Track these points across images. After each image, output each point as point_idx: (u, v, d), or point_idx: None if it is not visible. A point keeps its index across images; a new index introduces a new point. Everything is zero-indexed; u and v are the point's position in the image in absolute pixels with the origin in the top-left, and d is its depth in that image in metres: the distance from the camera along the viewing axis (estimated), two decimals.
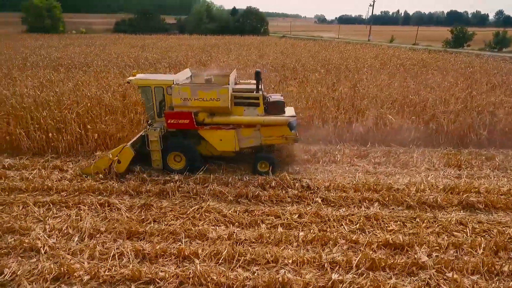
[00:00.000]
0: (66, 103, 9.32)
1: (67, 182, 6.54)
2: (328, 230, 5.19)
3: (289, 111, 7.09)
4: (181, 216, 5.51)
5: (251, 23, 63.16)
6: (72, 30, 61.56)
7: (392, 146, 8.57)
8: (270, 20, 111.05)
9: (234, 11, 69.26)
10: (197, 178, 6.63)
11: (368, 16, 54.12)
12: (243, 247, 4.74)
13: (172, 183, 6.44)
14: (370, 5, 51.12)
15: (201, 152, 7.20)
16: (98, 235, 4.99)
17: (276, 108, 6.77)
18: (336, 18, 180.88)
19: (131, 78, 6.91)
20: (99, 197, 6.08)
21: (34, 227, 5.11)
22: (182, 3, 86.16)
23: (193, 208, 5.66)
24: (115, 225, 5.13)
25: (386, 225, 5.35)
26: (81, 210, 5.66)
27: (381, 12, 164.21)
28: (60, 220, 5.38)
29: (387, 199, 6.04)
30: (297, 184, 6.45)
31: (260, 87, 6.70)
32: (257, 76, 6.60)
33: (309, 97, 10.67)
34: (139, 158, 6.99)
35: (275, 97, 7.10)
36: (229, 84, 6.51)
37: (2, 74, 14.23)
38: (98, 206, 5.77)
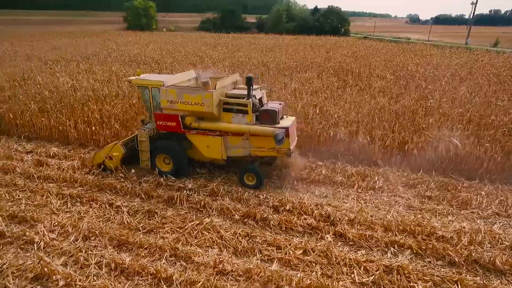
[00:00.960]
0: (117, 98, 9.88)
1: (92, 177, 6.77)
2: (332, 277, 4.30)
3: (287, 121, 6.40)
4: (178, 229, 5.18)
5: (331, 23, 60.90)
6: (163, 28, 67.44)
7: (453, 178, 6.97)
8: (355, 20, 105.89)
9: (315, 10, 67.71)
10: (210, 189, 6.25)
11: (471, 16, 47.00)
12: (224, 281, 4.18)
13: (184, 191, 6.19)
14: (472, 3, 44.29)
15: (193, 157, 6.94)
16: (93, 238, 4.95)
17: (268, 117, 6.18)
18: (431, 18, 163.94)
19: (132, 77, 6.97)
20: (113, 196, 6.14)
21: (43, 220, 5.32)
22: (266, 2, 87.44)
23: (192, 223, 5.28)
24: (109, 230, 5.05)
25: (411, 284, 4.21)
26: (91, 207, 5.77)
27: (490, 11, 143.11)
28: (69, 215, 5.52)
29: (424, 247, 4.80)
30: (315, 212, 5.59)
31: (250, 93, 6.16)
32: (248, 82, 6.08)
33: (363, 108, 9.45)
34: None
35: (272, 105, 6.49)
36: (215, 89, 6.11)
37: (83, 68, 15.97)
38: (108, 206, 5.80)
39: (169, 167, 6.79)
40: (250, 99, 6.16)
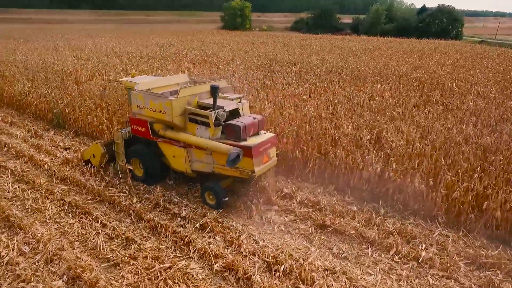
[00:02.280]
0: None
1: (98, 184, 6.49)
2: None
3: (257, 138, 5.54)
4: (143, 271, 4.38)
5: (440, 24, 53.55)
6: (255, 28, 69.02)
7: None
8: (474, 21, 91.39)
9: (422, 10, 60.48)
10: (205, 220, 5.31)
11: None
12: None
13: (177, 219, 5.42)
14: None
15: (169, 165, 6.40)
16: (56, 262, 4.52)
17: (231, 132, 5.48)
18: None
19: (122, 79, 6.89)
20: (107, 211, 5.72)
21: (28, 229, 5.14)
22: (365, 1, 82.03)
23: (160, 267, 4.42)
24: (72, 256, 4.54)
25: None
26: (80, 222, 5.42)
27: None
28: (56, 227, 5.27)
29: None
30: (321, 282, 4.15)
31: (215, 104, 5.48)
32: (213, 92, 5.42)
33: (437, 136, 7.24)
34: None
35: (244, 119, 5.63)
36: (176, 97, 5.62)
37: (157, 66, 16.69)
38: (95, 223, 5.37)
39: (142, 172, 6.53)
40: (213, 111, 5.45)
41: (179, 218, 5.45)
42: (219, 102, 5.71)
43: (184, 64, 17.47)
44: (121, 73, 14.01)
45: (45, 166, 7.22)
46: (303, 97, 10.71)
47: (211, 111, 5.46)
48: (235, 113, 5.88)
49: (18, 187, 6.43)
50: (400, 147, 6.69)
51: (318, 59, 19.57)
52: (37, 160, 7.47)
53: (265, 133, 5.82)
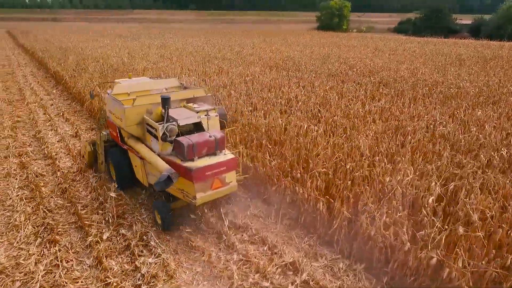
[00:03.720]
0: None
1: (96, 203, 5.81)
2: None
3: (210, 160, 4.72)
4: None
5: None
6: (353, 29, 64.72)
7: None
8: None
9: None
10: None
11: None
12: None
13: (130, 277, 4.28)
14: None
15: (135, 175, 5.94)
16: None
17: (177, 150, 4.81)
18: None
19: (118, 80, 6.80)
20: (77, 243, 4.95)
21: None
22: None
23: None
24: None
25: None
26: (40, 255, 4.73)
27: None
28: (14, 255, 4.70)
29: None
30: None
31: (166, 116, 4.93)
32: (163, 103, 4.97)
33: None
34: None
35: (198, 136, 4.78)
36: (132, 104, 5.20)
37: (224, 67, 16.10)
38: (53, 260, 4.62)
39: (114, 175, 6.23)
40: (162, 124, 4.84)
41: (139, 275, 4.31)
42: (181, 113, 5.16)
43: (252, 67, 16.48)
44: (177, 74, 13.75)
45: (58, 173, 6.95)
46: (367, 118, 8.54)
47: (160, 123, 4.88)
48: (199, 128, 5.18)
49: (20, 194, 6.19)
50: (485, 225, 4.25)
51: (409, 69, 16.34)
52: (57, 165, 7.28)
53: (225, 154, 4.93)
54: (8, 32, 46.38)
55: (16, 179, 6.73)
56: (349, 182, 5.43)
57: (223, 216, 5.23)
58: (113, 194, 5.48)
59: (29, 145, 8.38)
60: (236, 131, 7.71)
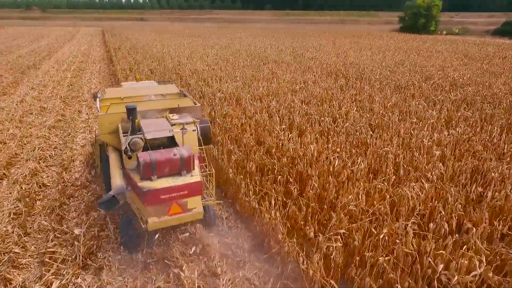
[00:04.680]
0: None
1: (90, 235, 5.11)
2: None
3: (169, 181, 3.99)
4: None
5: None
6: (442, 31, 57.60)
7: None
8: None
9: None
10: None
11: None
12: None
13: None
14: None
15: None
16: None
17: (138, 165, 4.03)
18: None
19: (124, 83, 6.73)
20: None
21: None
22: None
23: None
24: None
25: None
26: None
27: None
28: None
29: None
30: None
31: (133, 128, 4.34)
32: (128, 114, 4.27)
33: None
34: None
35: (162, 153, 4.04)
36: (105, 111, 4.82)
37: (275, 71, 14.81)
38: None
39: None
40: (126, 137, 4.35)
41: None
42: (154, 125, 4.66)
43: (309, 73, 14.87)
44: (222, 78, 12.86)
45: (60, 186, 6.50)
46: (433, 152, 6.49)
47: (125, 135, 4.43)
48: (174, 143, 4.57)
49: (12, 208, 5.80)
50: None
51: (507, 84, 12.97)
52: (62, 176, 6.87)
53: (191, 175, 4.23)
54: (102, 31, 51.75)
55: (21, 187, 6.44)
56: (381, 259, 3.74)
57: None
58: (77, 231, 4.66)
59: (54, 148, 8.25)
60: (256, 155, 6.41)
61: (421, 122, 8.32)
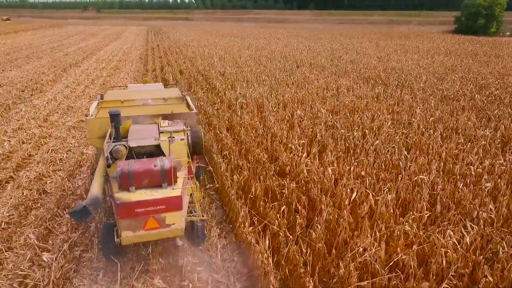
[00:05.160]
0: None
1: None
2: None
3: (146, 194, 3.77)
4: None
5: None
6: (505, 32, 52.31)
7: None
8: None
9: None
10: None
11: None
12: None
13: None
14: None
15: None
16: None
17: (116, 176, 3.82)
18: None
19: (130, 85, 6.75)
20: None
21: None
22: None
23: None
24: None
25: None
26: None
27: None
28: None
29: None
30: None
31: (117, 135, 4.21)
32: (111, 119, 4.18)
33: None
34: None
35: (141, 163, 3.82)
36: (95, 116, 4.80)
37: (312, 77, 13.86)
38: None
39: None
40: (108, 143, 4.11)
41: None
42: (141, 132, 4.47)
43: (344, 79, 13.73)
44: (249, 82, 12.17)
45: (59, 193, 6.22)
46: (488, 187, 5.29)
47: (107, 142, 4.25)
48: (161, 151, 4.35)
49: (7, 216, 5.58)
50: None
51: None
52: (63, 183, 6.62)
53: (173, 189, 3.95)
54: (147, 31, 53.66)
55: (23, 193, 6.25)
56: None
57: None
58: (46, 257, 4.22)
59: (67, 151, 8.11)
60: (265, 174, 5.65)
61: (469, 143, 7.00)
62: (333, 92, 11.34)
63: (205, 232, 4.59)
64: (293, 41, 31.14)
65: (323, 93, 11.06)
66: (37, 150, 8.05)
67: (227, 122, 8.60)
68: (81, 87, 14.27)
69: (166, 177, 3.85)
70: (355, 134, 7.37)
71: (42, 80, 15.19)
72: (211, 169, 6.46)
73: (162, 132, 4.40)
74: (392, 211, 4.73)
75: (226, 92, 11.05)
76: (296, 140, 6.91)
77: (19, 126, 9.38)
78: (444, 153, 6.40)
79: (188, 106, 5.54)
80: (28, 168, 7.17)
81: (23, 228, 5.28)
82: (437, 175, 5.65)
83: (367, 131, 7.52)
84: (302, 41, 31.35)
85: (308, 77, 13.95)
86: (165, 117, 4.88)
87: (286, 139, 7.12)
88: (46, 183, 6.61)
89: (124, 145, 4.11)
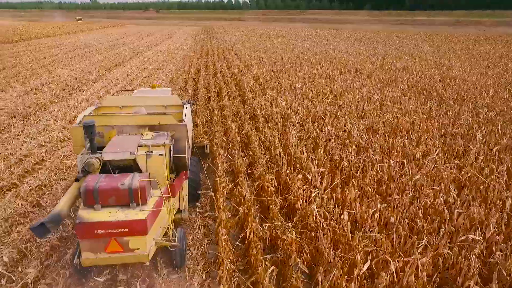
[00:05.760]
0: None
1: None
2: None
3: (109, 215, 3.56)
4: None
5: None
6: None
7: None
8: None
9: None
10: None
11: None
12: None
13: None
14: None
15: None
16: None
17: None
18: None
19: (138, 89, 6.61)
20: None
21: None
22: None
23: None
24: None
25: None
26: None
27: None
28: None
29: None
30: None
31: (92, 146, 3.97)
32: (85, 131, 3.92)
33: None
34: None
35: (106, 180, 3.67)
36: (79, 124, 4.49)
37: (356, 86, 12.45)
38: None
39: None
40: (82, 155, 3.96)
41: None
42: (121, 144, 4.14)
43: (391, 89, 12.11)
44: (280, 92, 11.14)
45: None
46: None
47: (81, 154, 4.07)
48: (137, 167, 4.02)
49: None
50: None
51: None
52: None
53: (140, 210, 3.58)
54: (199, 31, 54.88)
55: (19, 203, 5.98)
56: None
57: None
58: None
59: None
60: (269, 208, 4.68)
61: None
62: (375, 105, 9.89)
63: (184, 257, 4.24)
64: (342, 44, 29.31)
65: (362, 106, 9.68)
66: (50, 155, 7.90)
67: (245, 137, 7.74)
68: (117, 87, 14.38)
69: (134, 197, 3.62)
70: (392, 162, 6.04)
71: (85, 79, 15.66)
72: (212, 194, 5.63)
73: (141, 146, 4.07)
74: (426, 284, 3.49)
75: (253, 100, 10.18)
76: (315, 168, 5.79)
77: (44, 128, 9.43)
78: (511, 201, 4.85)
79: (184, 115, 5.10)
80: (34, 175, 6.97)
81: (2, 247, 4.91)
82: (497, 233, 4.21)
83: (406, 161, 6.13)
84: (352, 44, 29.38)
85: (350, 85, 12.53)
86: (152, 128, 4.52)
87: (305, 163, 6.04)
88: (44, 193, 6.30)
89: (98, 158, 3.88)
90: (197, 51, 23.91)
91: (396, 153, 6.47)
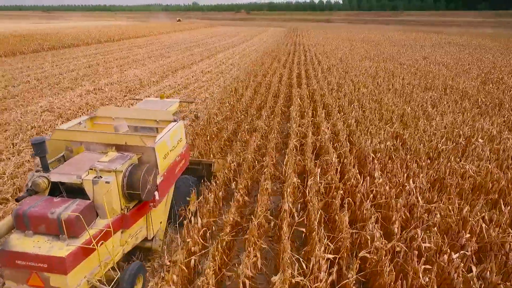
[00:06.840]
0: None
1: None
2: None
3: (35, 245, 3.35)
4: None
5: None
6: None
7: None
8: None
9: None
10: None
11: None
12: None
13: None
14: None
15: None
16: None
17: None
18: None
19: (147, 98, 6.48)
20: None
21: None
22: None
23: None
24: None
25: None
26: None
27: None
28: None
29: None
30: None
31: (44, 165, 3.72)
32: (34, 150, 3.65)
33: None
34: None
35: (41, 206, 3.41)
36: (49, 137, 4.29)
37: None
38: None
39: None
40: (32, 174, 3.72)
41: None
42: (76, 165, 3.85)
43: (480, 117, 9.04)
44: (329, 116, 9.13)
45: None
46: None
47: (36, 171, 3.76)
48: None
49: None
50: None
51: None
52: None
53: (67, 245, 3.29)
54: (281, 33, 54.06)
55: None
56: None
57: None
58: None
59: None
60: None
61: None
62: (457, 142, 7.25)
63: None
64: (439, 51, 24.86)
65: (438, 143, 7.16)
66: None
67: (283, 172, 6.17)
68: (168, 92, 14.12)
69: (65, 229, 3.31)
70: (454, 257, 3.81)
71: (147, 81, 15.89)
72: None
73: (92, 168, 3.70)
74: None
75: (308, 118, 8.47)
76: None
77: None
78: None
79: (160, 136, 4.43)
80: None
81: None
82: None
83: (484, 257, 3.80)
84: (452, 51, 24.68)
85: (430, 109, 9.79)
86: (119, 148, 4.14)
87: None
88: None
89: (47, 178, 3.66)
90: (268, 57, 22.76)
91: (468, 236, 4.15)
